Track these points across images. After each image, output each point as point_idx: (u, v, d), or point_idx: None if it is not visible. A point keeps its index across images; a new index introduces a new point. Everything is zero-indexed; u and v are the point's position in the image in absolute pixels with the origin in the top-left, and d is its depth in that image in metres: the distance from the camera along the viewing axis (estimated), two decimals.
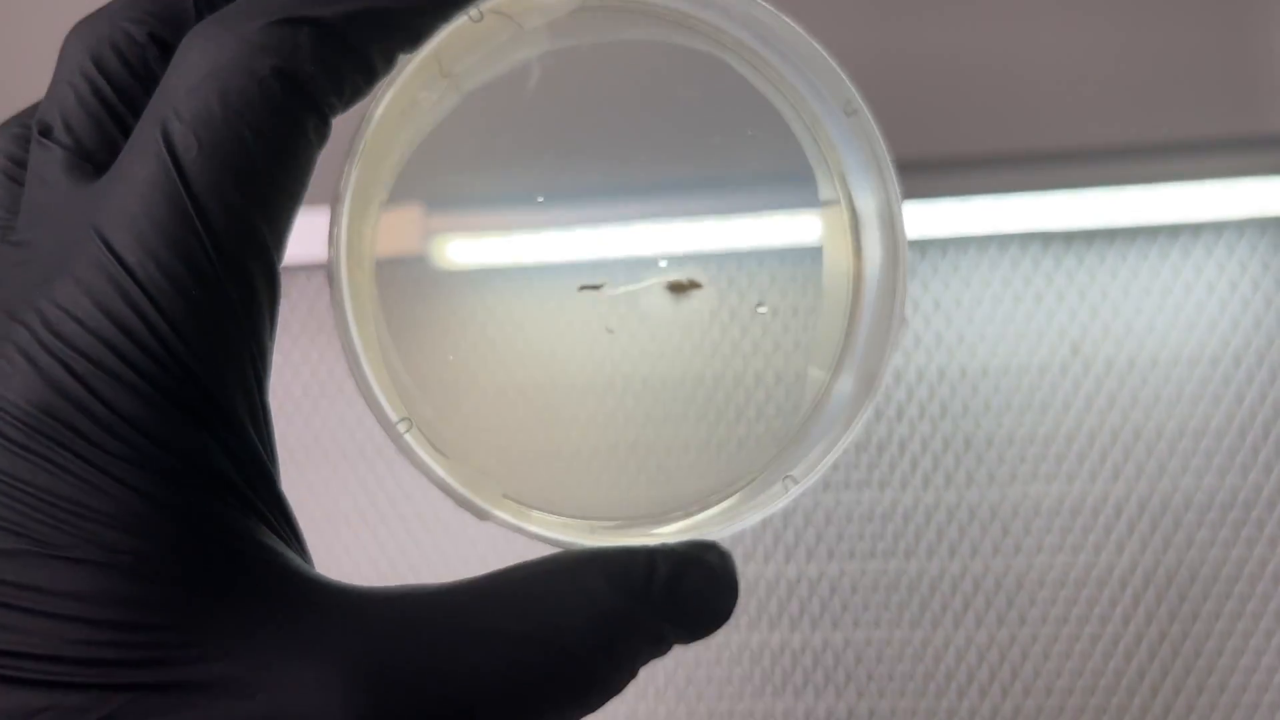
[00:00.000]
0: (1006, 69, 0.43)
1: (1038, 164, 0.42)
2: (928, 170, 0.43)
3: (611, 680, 0.19)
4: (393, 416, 0.21)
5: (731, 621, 0.19)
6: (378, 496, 0.50)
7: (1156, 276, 0.45)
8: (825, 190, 0.23)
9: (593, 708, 0.19)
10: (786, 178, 0.23)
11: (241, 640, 0.16)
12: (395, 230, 0.22)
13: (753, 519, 0.21)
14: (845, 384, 0.22)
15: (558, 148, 0.23)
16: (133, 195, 0.17)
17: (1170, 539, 0.45)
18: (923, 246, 0.45)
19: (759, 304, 0.24)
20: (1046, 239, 0.45)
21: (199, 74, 0.17)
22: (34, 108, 0.21)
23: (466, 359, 0.23)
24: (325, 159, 0.19)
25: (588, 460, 0.24)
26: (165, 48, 0.19)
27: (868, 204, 0.22)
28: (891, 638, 0.46)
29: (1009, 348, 0.46)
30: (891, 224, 0.22)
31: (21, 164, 0.20)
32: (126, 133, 0.18)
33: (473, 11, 0.20)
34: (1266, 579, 0.45)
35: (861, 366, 0.22)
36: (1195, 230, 0.45)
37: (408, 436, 0.21)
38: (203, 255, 0.17)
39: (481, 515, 0.21)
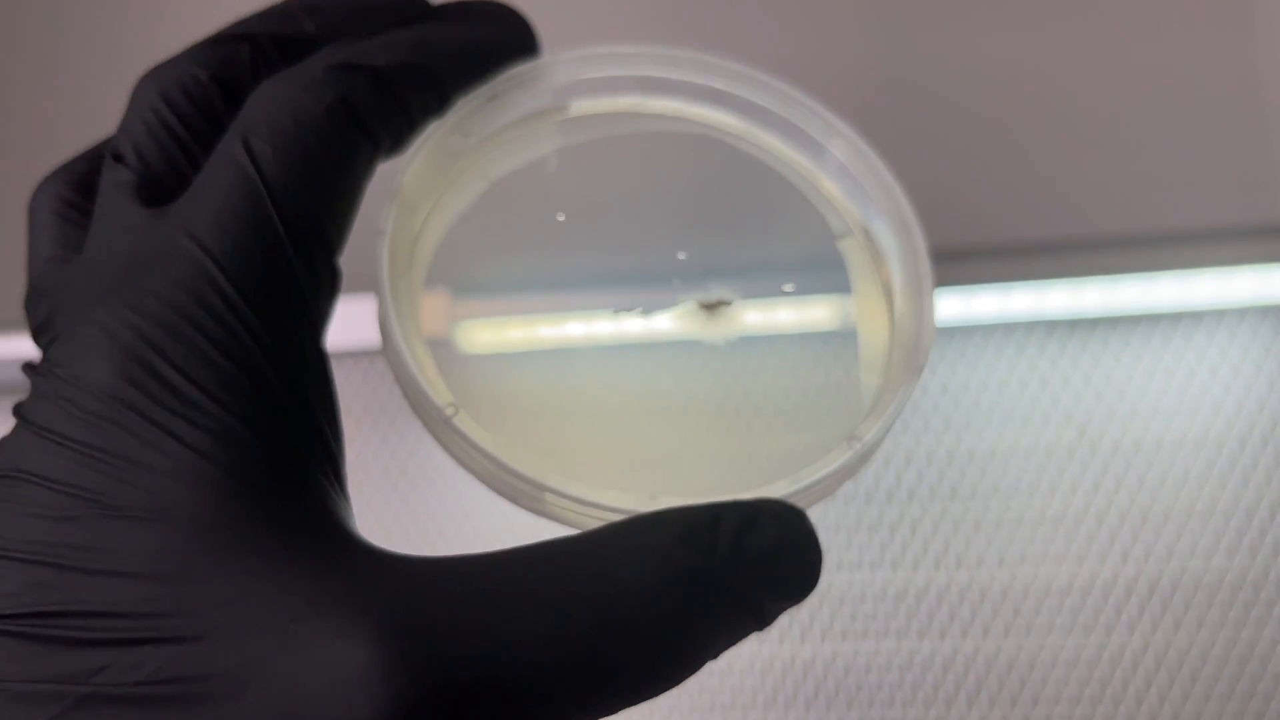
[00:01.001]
0: (1010, 164, 0.44)
1: (1041, 255, 0.44)
2: (936, 262, 0.44)
3: (688, 651, 0.17)
4: (439, 402, 0.20)
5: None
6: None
7: (1160, 361, 0.46)
8: (836, 225, 0.24)
9: (667, 684, 0.17)
10: (799, 224, 0.24)
11: (287, 596, 0.16)
12: (434, 309, 0.23)
13: (819, 476, 0.20)
14: (894, 367, 0.22)
15: (578, 226, 0.24)
16: (215, 194, 0.19)
17: (1180, 619, 0.46)
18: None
19: (784, 286, 0.24)
20: (1051, 326, 0.46)
21: (273, 103, 0.20)
22: (80, 157, 0.23)
23: (504, 365, 0.23)
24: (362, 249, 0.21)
25: (637, 446, 0.23)
26: (226, 88, 0.21)
27: (880, 224, 0.24)
28: (906, 717, 0.46)
29: (1016, 431, 0.47)
30: (907, 234, 0.23)
31: (70, 203, 0.22)
32: (194, 161, 0.20)
33: (489, 92, 0.23)
34: (1277, 659, 0.45)
35: (903, 345, 0.22)
36: (1196, 317, 0.46)
37: (456, 420, 0.20)
38: (276, 242, 0.19)
39: (535, 493, 0.20)
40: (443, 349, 0.22)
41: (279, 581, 0.16)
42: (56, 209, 0.22)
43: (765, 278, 0.24)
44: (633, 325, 0.23)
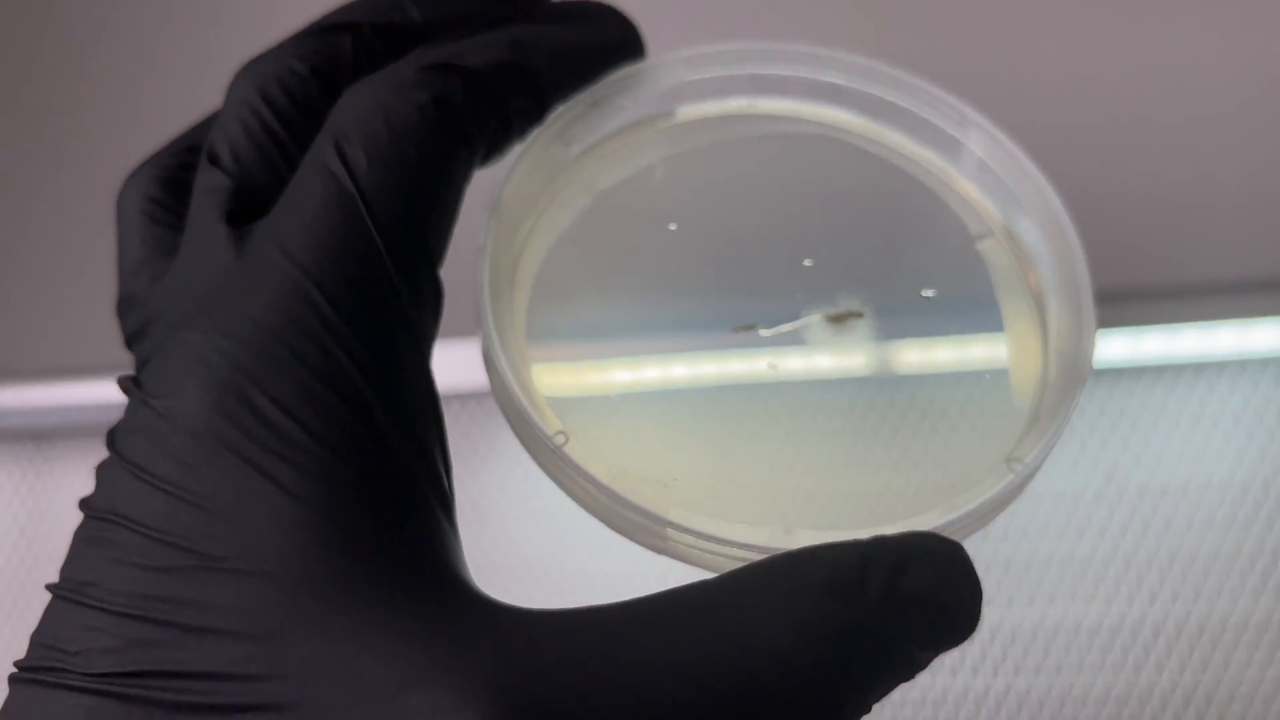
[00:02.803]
0: None
1: None
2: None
3: (838, 710, 0.15)
4: (547, 430, 0.19)
5: None
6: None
7: (1185, 409, 0.48)
8: (974, 225, 0.22)
9: None
10: (933, 227, 0.22)
11: (392, 662, 0.15)
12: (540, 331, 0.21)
13: (979, 503, 0.18)
14: (1052, 377, 0.20)
15: (694, 243, 0.22)
16: (309, 206, 0.17)
17: (1208, 660, 0.47)
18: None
19: (923, 291, 0.22)
20: None
21: (365, 107, 0.18)
22: (167, 149, 0.21)
23: (616, 390, 0.21)
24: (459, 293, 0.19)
25: (765, 475, 0.20)
26: (326, 81, 0.20)
27: (1024, 224, 0.21)
28: None
29: (1044, 475, 0.49)
30: (1059, 232, 0.20)
31: (158, 203, 0.21)
32: (291, 162, 0.19)
33: (590, 99, 0.21)
34: None
35: (1061, 353, 0.20)
36: (1219, 367, 0.48)
37: (565, 449, 0.18)
38: (378, 257, 0.17)
39: (654, 527, 0.18)
40: (549, 367, 0.21)
41: (385, 645, 0.15)
42: (144, 208, 0.21)
43: (897, 287, 0.22)
44: (754, 343, 0.21)
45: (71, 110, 0.57)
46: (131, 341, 0.19)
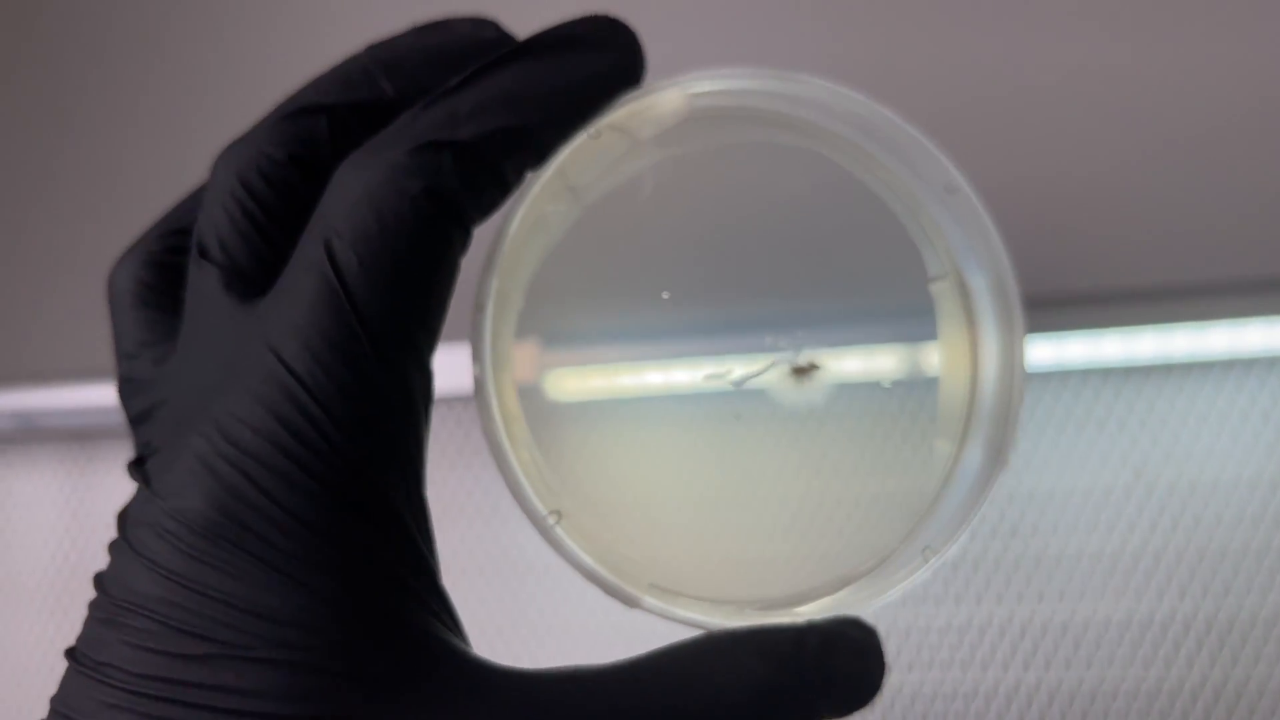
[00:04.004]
0: (1066, 216, 0.47)
1: (1095, 305, 0.46)
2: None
3: None
4: (542, 510, 0.21)
5: None
6: (495, 613, 0.55)
7: (1213, 406, 0.49)
8: (933, 267, 0.23)
9: None
10: (894, 260, 0.23)
11: None
12: (526, 356, 0.22)
13: (894, 594, 0.21)
14: (973, 454, 0.22)
15: (675, 251, 0.23)
16: (299, 309, 0.18)
17: (1237, 655, 0.48)
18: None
19: (880, 381, 0.23)
20: (1106, 373, 0.49)
21: (354, 196, 0.18)
22: (152, 234, 0.22)
23: (605, 455, 0.23)
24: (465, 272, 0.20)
25: (726, 545, 0.23)
26: (304, 168, 0.20)
27: (978, 279, 0.22)
28: None
29: (1074, 472, 0.49)
30: (1004, 295, 0.22)
31: (150, 286, 0.22)
32: (275, 248, 0.20)
33: (591, 130, 0.20)
34: None
35: (988, 437, 0.22)
36: (1248, 364, 0.48)
37: (558, 529, 0.21)
38: (366, 361, 0.18)
39: (631, 602, 0.21)
40: (538, 413, 0.22)
41: (406, 716, 0.17)
42: (136, 292, 0.22)
43: (857, 324, 0.23)
44: (723, 392, 0.23)
45: (113, 116, 0.58)
46: (136, 423, 0.20)
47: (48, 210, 0.58)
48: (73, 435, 0.60)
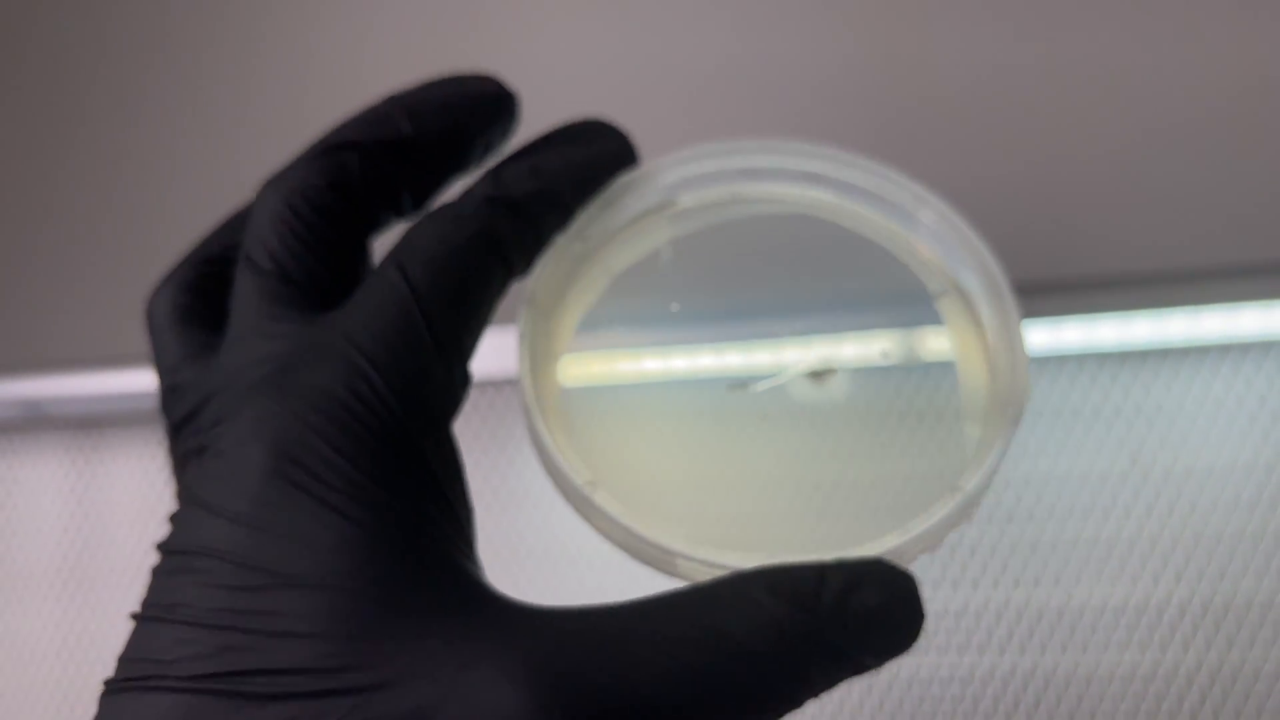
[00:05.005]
0: (1061, 202, 0.47)
1: (1090, 290, 0.46)
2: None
3: (788, 691, 0.19)
4: (578, 480, 0.23)
5: None
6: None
7: (1209, 390, 0.49)
8: (933, 285, 0.26)
9: (774, 716, 0.19)
10: (899, 287, 0.26)
11: (444, 646, 0.19)
12: (575, 368, 0.26)
13: (924, 530, 0.22)
14: (994, 415, 0.24)
15: (691, 311, 0.27)
16: (369, 307, 0.22)
17: (1234, 638, 0.48)
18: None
19: (883, 351, 0.26)
20: (1102, 358, 0.49)
21: (426, 236, 0.23)
22: (187, 263, 0.25)
23: (632, 442, 0.25)
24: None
25: (754, 529, 0.24)
26: (340, 193, 0.24)
27: (971, 283, 0.26)
28: None
29: (1070, 458, 0.49)
30: (998, 294, 0.25)
31: (188, 308, 0.25)
32: (322, 262, 0.23)
33: (602, 202, 0.26)
34: None
35: (1001, 393, 0.24)
36: (1244, 348, 0.48)
37: (596, 497, 0.23)
38: (422, 347, 0.21)
39: (669, 559, 0.22)
40: (579, 426, 0.25)
41: (441, 637, 0.19)
42: (176, 315, 0.24)
43: (869, 340, 0.26)
44: (747, 397, 0.25)
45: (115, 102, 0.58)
46: (184, 422, 0.22)
47: (55, 197, 0.59)
48: (79, 423, 0.60)
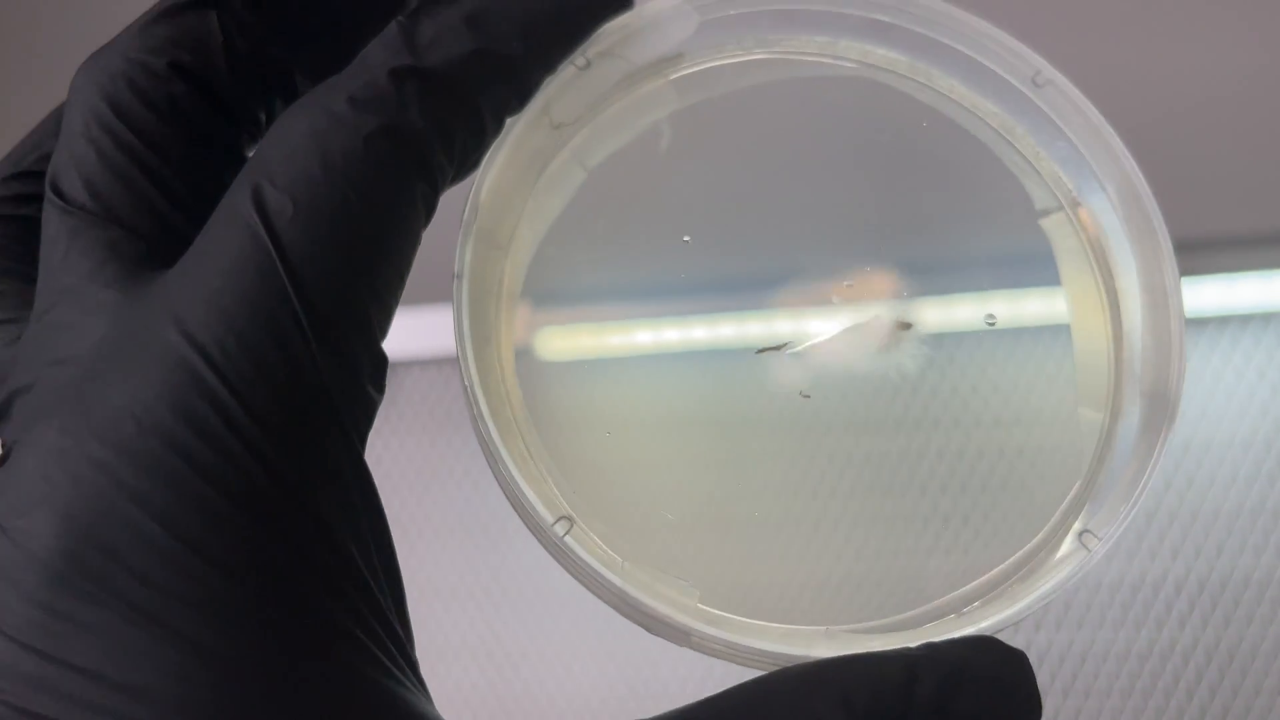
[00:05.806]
0: None
1: None
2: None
3: None
4: (548, 517, 0.16)
5: None
6: (482, 574, 0.54)
7: (1208, 364, 0.48)
8: (1040, 199, 0.18)
9: None
10: (987, 195, 0.18)
11: None
12: (526, 321, 0.18)
13: (1044, 593, 0.16)
14: (1130, 418, 0.17)
15: (704, 206, 0.18)
16: (214, 268, 0.14)
17: (1230, 615, 0.47)
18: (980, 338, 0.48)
19: (988, 316, 0.18)
20: None
21: (297, 137, 0.14)
22: (11, 156, 0.17)
23: (627, 442, 0.18)
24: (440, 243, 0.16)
25: (793, 562, 0.18)
26: (191, 80, 0.15)
27: (1098, 199, 0.18)
28: None
29: None
30: (1139, 214, 0.17)
31: (2, 248, 0.17)
32: (165, 192, 0.15)
33: (579, 59, 0.17)
34: None
35: (1147, 391, 0.17)
36: (1244, 320, 0.48)
37: (568, 538, 0.16)
38: (297, 334, 0.13)
39: (684, 634, 0.15)
40: (548, 425, 0.17)
41: None
42: None
43: (948, 277, 0.18)
44: (785, 368, 0.17)
45: None
46: None
47: None
48: None
